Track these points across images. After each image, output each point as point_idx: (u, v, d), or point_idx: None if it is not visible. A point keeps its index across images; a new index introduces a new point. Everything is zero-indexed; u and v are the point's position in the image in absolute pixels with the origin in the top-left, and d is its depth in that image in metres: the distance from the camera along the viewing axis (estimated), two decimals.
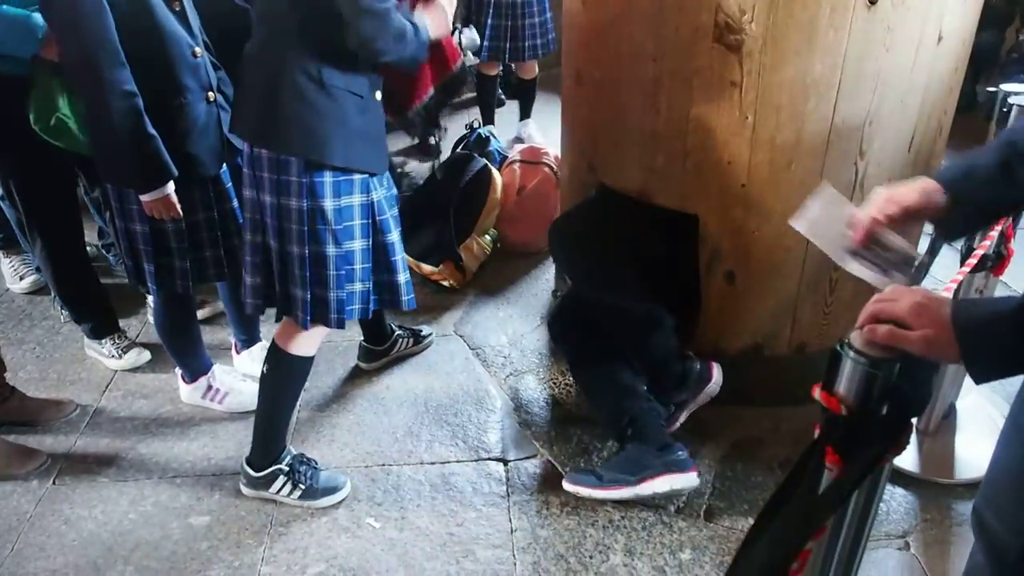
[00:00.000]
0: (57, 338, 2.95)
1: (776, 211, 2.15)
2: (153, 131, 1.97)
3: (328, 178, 1.84)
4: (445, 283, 3.19)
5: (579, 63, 2.40)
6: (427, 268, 3.19)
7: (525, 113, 4.56)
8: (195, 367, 2.51)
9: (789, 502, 1.00)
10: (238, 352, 2.71)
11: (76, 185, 2.67)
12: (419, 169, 4.12)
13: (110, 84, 1.90)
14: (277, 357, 2.07)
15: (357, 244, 1.94)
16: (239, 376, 2.62)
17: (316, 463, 2.22)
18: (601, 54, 2.27)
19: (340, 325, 1.98)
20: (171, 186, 2.05)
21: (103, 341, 2.74)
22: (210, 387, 2.53)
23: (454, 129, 4.30)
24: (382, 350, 2.73)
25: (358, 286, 1.98)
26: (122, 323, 2.83)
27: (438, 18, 2.02)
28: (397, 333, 2.75)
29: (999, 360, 0.94)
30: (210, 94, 2.12)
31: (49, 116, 2.21)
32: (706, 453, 2.31)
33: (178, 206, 2.09)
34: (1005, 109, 1.84)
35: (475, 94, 4.59)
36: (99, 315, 2.74)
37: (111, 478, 2.29)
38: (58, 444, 2.42)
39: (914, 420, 1.04)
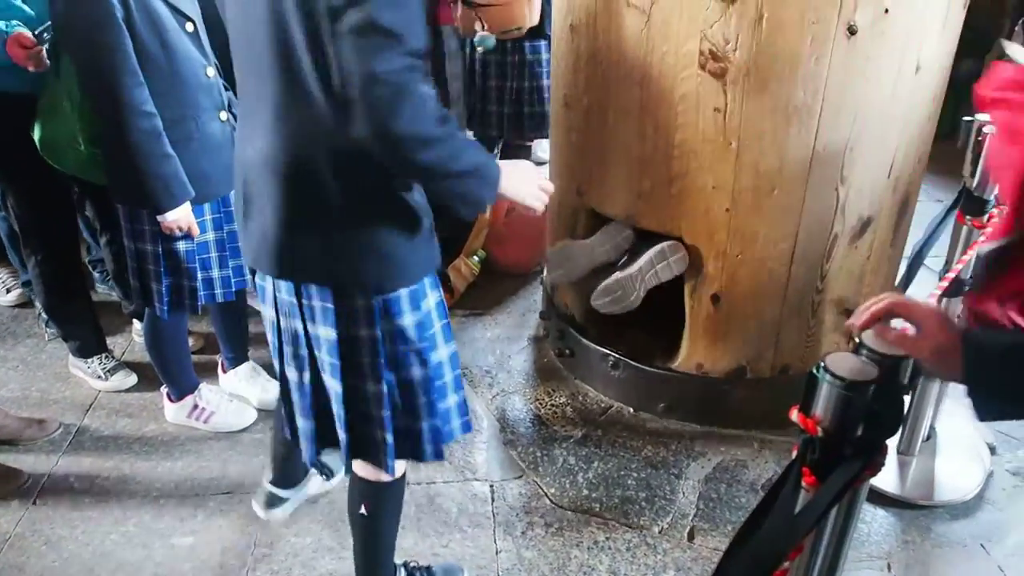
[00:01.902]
0: (41, 356, 2.93)
1: (760, 235, 2.18)
2: (172, 151, 2.00)
3: (403, 291, 1.48)
4: None
5: (567, 88, 2.43)
6: None
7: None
8: (182, 386, 2.51)
9: (766, 523, 1.01)
10: (225, 371, 2.70)
11: (74, 202, 2.67)
12: None
13: (130, 105, 1.92)
14: (366, 491, 1.71)
15: (444, 352, 1.58)
16: (225, 395, 2.61)
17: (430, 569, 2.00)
18: (589, 80, 2.31)
19: (438, 456, 1.61)
20: (188, 206, 2.08)
21: (89, 360, 2.73)
22: (196, 406, 2.52)
23: None
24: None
25: (452, 399, 1.62)
26: (108, 341, 2.82)
27: (519, 177, 1.51)
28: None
29: (999, 386, 0.94)
30: (222, 114, 2.15)
31: (58, 138, 2.23)
32: (690, 474, 2.32)
33: (196, 224, 2.12)
34: (980, 138, 1.88)
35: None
36: (88, 334, 2.73)
37: (93, 498, 2.28)
38: (40, 464, 2.40)
39: (888, 441, 1.06)
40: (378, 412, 1.53)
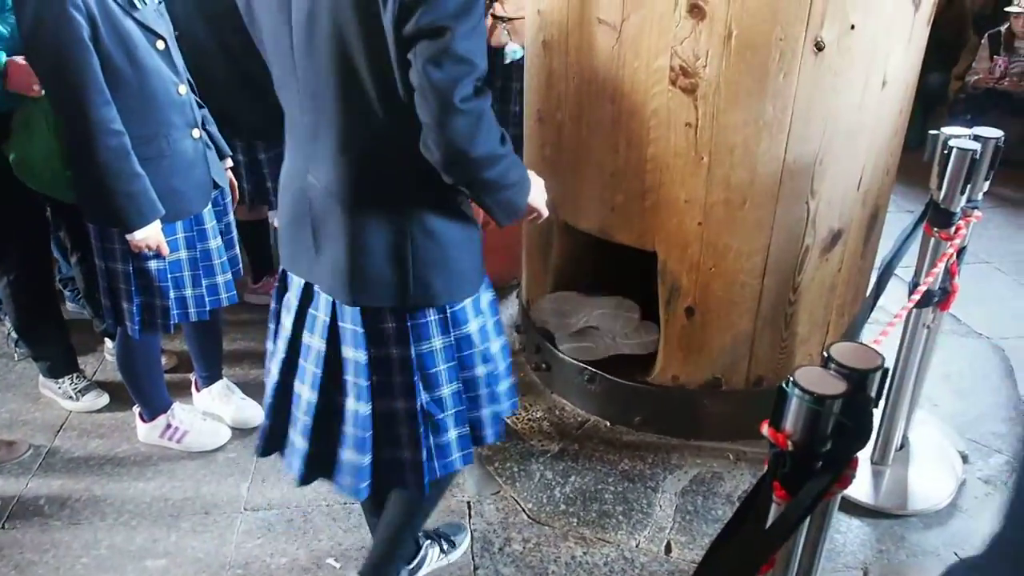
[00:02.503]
0: (10, 376, 2.89)
1: (732, 248, 2.20)
2: (140, 170, 1.98)
3: (468, 301, 1.54)
4: None
5: (540, 104, 2.45)
6: None
7: None
8: (155, 405, 2.48)
9: (738, 537, 1.02)
10: (198, 389, 2.67)
11: (47, 220, 2.64)
12: None
13: (97, 123, 1.90)
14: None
15: (496, 345, 1.66)
16: (199, 415, 2.59)
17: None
18: (562, 95, 2.32)
19: (499, 438, 1.70)
20: (158, 224, 2.06)
21: (60, 380, 2.70)
22: (169, 426, 2.49)
23: None
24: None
25: (504, 384, 1.71)
26: (79, 361, 2.79)
27: (538, 187, 1.61)
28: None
29: None
30: (195, 131, 2.14)
31: (33, 157, 2.20)
32: (666, 487, 2.33)
33: (165, 243, 2.09)
34: (946, 152, 1.91)
35: None
36: (58, 354, 2.70)
37: (64, 521, 2.24)
38: (8, 487, 2.36)
39: (861, 452, 1.07)
40: (411, 430, 1.55)
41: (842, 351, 1.10)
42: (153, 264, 2.15)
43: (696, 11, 1.95)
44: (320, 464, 1.62)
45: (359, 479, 1.57)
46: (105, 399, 2.72)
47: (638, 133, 2.14)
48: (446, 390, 1.56)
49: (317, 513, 2.25)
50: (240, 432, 2.57)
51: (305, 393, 1.57)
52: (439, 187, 1.37)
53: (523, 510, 2.24)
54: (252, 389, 2.71)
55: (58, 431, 2.61)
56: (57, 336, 2.70)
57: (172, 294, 2.21)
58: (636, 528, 2.19)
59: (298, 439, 1.61)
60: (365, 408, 1.52)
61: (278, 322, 1.65)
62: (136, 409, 2.50)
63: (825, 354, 1.09)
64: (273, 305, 1.67)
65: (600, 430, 2.56)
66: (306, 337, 1.56)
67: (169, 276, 2.19)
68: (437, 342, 1.51)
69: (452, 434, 1.60)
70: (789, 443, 1.04)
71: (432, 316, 1.49)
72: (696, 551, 2.12)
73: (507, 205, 1.45)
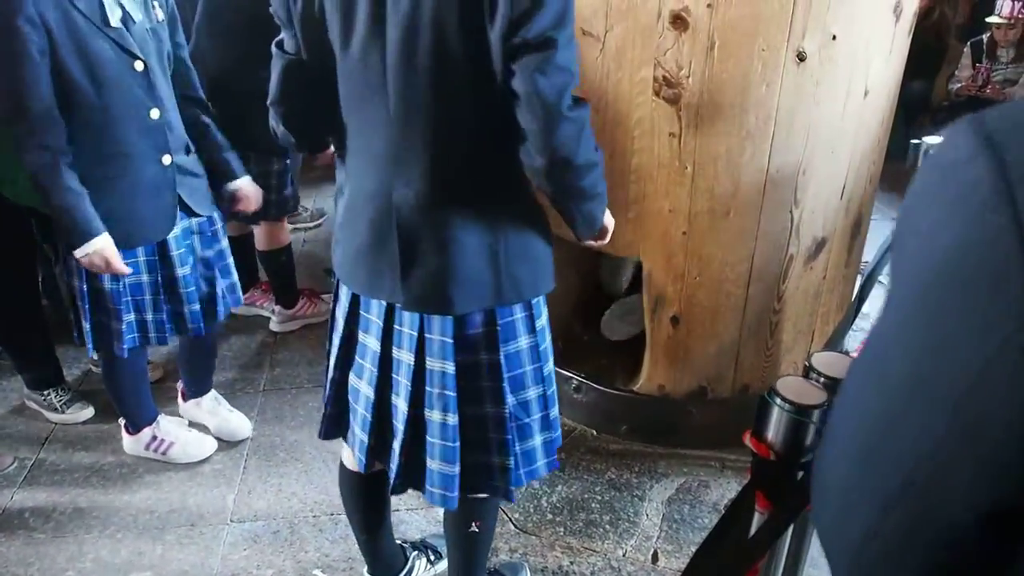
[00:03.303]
0: None
1: (716, 258, 2.21)
2: (77, 187, 1.92)
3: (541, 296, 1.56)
4: None
5: None
6: None
7: None
8: (140, 418, 2.46)
9: (720, 547, 1.02)
10: (185, 400, 2.66)
11: (32, 231, 2.63)
12: None
13: (27, 138, 1.87)
14: (479, 509, 1.72)
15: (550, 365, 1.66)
16: (184, 426, 2.57)
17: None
18: None
19: (552, 467, 1.65)
20: (104, 243, 1.97)
21: (45, 392, 2.68)
22: (154, 437, 2.48)
23: None
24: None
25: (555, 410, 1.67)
26: (64, 372, 2.77)
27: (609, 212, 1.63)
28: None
29: None
30: (166, 157, 2.06)
31: (10, 168, 2.19)
32: (653, 496, 2.33)
33: (120, 264, 2.01)
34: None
35: None
36: (43, 366, 2.68)
37: (49, 534, 2.23)
38: None
39: None
40: (499, 436, 1.55)
41: (823, 360, 1.12)
42: (109, 285, 2.10)
43: (679, 22, 1.96)
44: (410, 476, 1.60)
45: (449, 489, 1.56)
46: (90, 411, 2.71)
47: (622, 143, 2.16)
48: (532, 393, 1.56)
49: (303, 524, 2.25)
50: (226, 443, 2.56)
51: (401, 405, 1.56)
52: (525, 186, 1.44)
53: (510, 520, 2.24)
54: (240, 401, 2.70)
55: (43, 443, 2.59)
56: (42, 348, 2.68)
57: (128, 317, 2.15)
58: (623, 537, 2.19)
59: (393, 451, 1.60)
60: (453, 418, 1.51)
61: (348, 345, 1.61)
62: (122, 421, 2.49)
63: (806, 364, 1.10)
64: (338, 335, 1.63)
65: (587, 439, 2.57)
66: (394, 352, 1.54)
67: (125, 299, 2.12)
68: (523, 340, 1.52)
69: (538, 439, 1.60)
70: (771, 453, 1.05)
71: (519, 313, 1.50)
72: (683, 560, 2.12)
73: (590, 216, 1.49)
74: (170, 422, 2.53)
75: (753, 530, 1.06)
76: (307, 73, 1.44)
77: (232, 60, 2.67)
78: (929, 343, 0.34)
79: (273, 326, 3.24)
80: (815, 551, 2.13)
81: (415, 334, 1.48)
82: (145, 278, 2.16)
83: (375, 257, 1.47)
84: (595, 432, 2.59)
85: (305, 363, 3.02)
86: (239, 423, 2.60)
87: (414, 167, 1.39)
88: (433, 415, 1.52)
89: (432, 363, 1.49)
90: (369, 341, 1.56)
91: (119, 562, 2.13)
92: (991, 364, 0.30)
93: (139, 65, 1.98)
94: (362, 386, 1.59)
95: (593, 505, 2.30)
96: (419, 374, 1.51)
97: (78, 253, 1.97)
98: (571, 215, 1.47)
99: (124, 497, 2.36)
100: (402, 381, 1.53)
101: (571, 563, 2.11)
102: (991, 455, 0.31)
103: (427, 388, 1.51)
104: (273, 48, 1.46)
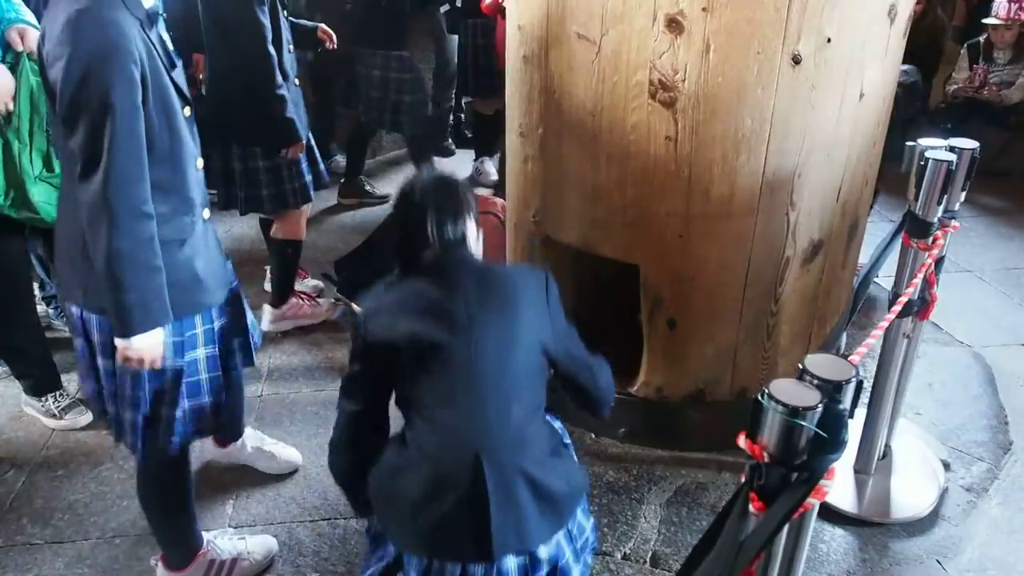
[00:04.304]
0: None
1: (713, 261, 2.21)
2: (160, 262, 1.59)
3: None
4: None
5: (521, 118, 2.46)
6: None
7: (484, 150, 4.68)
8: (186, 548, 2.01)
9: (714, 549, 1.03)
10: (223, 446, 2.44)
11: (26, 237, 2.62)
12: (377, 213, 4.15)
13: (127, 204, 1.52)
14: None
15: None
16: (233, 535, 2.16)
17: None
18: (543, 110, 2.34)
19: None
20: (161, 334, 1.64)
21: (43, 398, 2.68)
22: (213, 562, 2.03)
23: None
24: None
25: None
26: (61, 378, 2.77)
27: None
28: None
29: None
30: (206, 211, 1.79)
31: (8, 180, 2.18)
32: (651, 498, 2.33)
33: (159, 359, 1.66)
34: (922, 163, 1.94)
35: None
36: (41, 371, 2.68)
37: (46, 540, 2.22)
38: None
39: (843, 461, 1.08)
40: None
41: (817, 363, 1.12)
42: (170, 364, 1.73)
43: (674, 26, 1.97)
44: None
45: None
46: (88, 417, 2.70)
47: (619, 147, 2.16)
48: None
49: (301, 529, 2.25)
50: (223, 452, 2.55)
51: None
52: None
53: None
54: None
55: (41, 449, 2.59)
56: (39, 354, 2.68)
57: (186, 403, 1.80)
58: (621, 540, 2.19)
59: None
60: None
61: None
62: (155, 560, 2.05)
63: (800, 366, 1.11)
64: None
65: (585, 442, 2.57)
66: None
67: (185, 381, 1.77)
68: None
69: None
70: (765, 454, 1.05)
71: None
72: (681, 562, 2.12)
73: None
74: (222, 538, 2.11)
75: (747, 533, 1.06)
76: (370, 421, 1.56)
77: (240, 58, 2.69)
78: None
79: (264, 325, 3.20)
80: (815, 552, 2.13)
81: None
82: (201, 352, 1.81)
83: (452, 519, 1.47)
84: (593, 435, 2.59)
85: (303, 368, 3.02)
86: (290, 452, 2.49)
87: (497, 436, 1.49)
88: None
89: None
90: None
91: (117, 568, 2.13)
92: None
93: (188, 111, 1.71)
94: None
95: (591, 508, 2.29)
96: None
97: (135, 342, 1.59)
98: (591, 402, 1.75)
99: (122, 503, 2.36)
100: None
101: None
102: None
103: None
104: (341, 399, 1.56)
